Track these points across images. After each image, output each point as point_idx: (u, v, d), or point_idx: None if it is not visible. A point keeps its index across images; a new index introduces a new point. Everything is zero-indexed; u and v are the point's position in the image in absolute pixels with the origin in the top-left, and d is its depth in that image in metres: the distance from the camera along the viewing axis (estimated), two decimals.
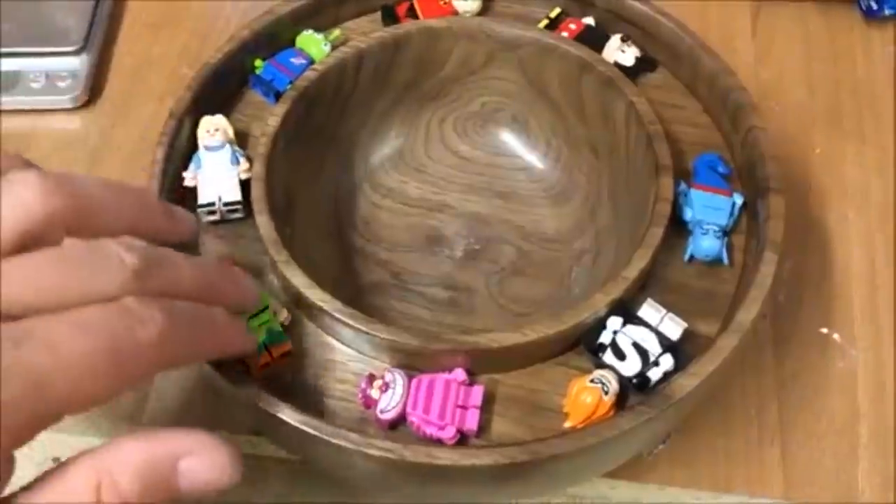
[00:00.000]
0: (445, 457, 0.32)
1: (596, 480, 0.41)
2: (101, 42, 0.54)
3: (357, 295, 0.42)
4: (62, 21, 0.53)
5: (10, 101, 0.51)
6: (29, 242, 0.26)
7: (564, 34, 0.44)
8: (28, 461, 0.43)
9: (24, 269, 0.25)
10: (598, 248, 0.43)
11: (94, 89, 0.53)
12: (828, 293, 0.46)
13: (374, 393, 0.34)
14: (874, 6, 0.56)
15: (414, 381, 0.34)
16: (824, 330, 0.45)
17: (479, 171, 0.46)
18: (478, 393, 0.34)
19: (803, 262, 0.47)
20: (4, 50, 0.52)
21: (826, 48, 0.56)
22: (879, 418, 0.42)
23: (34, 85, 0.52)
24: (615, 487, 0.41)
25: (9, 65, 0.52)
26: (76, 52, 0.52)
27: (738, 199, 0.40)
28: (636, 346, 0.35)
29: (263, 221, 0.37)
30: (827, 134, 0.52)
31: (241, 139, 0.42)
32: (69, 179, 0.27)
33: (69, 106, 0.52)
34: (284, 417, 0.32)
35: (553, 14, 0.46)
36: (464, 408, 0.34)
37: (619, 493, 0.41)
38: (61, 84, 0.52)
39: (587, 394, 0.34)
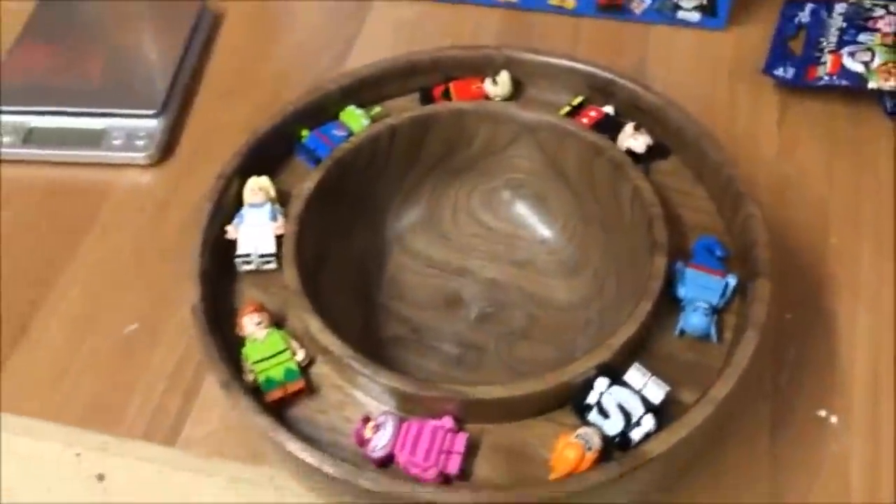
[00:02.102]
0: (426, 492, 0.35)
1: None
2: (177, 107, 0.61)
3: (378, 347, 0.46)
4: (145, 86, 0.60)
5: (94, 154, 0.58)
6: None
7: (584, 120, 0.48)
8: (74, 477, 0.48)
9: None
10: (603, 320, 0.45)
11: (166, 150, 0.59)
12: (829, 378, 0.47)
13: (368, 433, 0.38)
14: None
15: (404, 425, 0.38)
16: (822, 413, 0.46)
17: (499, 240, 0.50)
18: (461, 440, 0.37)
19: (809, 348, 0.49)
20: (94, 110, 0.59)
21: (850, 147, 0.58)
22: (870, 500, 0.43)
23: (115, 142, 0.58)
24: None
25: (95, 123, 0.59)
26: (154, 116, 0.59)
27: (732, 281, 0.42)
28: (620, 407, 0.37)
29: (290, 273, 0.42)
30: (844, 230, 0.54)
31: (284, 198, 0.47)
32: None
33: (143, 163, 0.58)
34: (287, 446, 0.36)
35: (576, 101, 0.50)
36: (448, 453, 0.37)
37: None
38: (138, 143, 0.58)
39: (570, 449, 0.36)
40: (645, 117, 0.48)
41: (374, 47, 0.65)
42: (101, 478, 0.48)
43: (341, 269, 0.47)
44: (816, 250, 0.53)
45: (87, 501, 0.47)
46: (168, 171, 0.59)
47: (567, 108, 0.49)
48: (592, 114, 0.49)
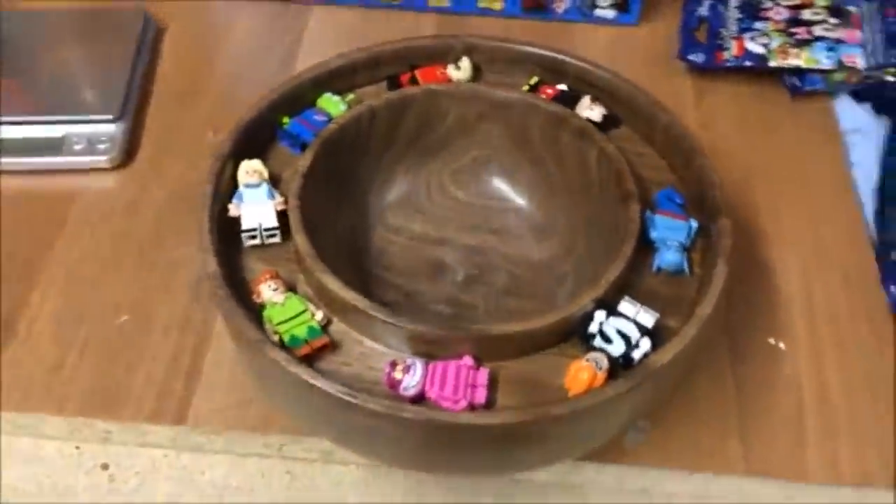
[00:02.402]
0: (464, 418, 0.38)
1: (584, 466, 0.47)
2: (133, 111, 0.62)
3: None
4: (101, 92, 0.61)
5: (57, 161, 0.58)
6: None
7: (542, 97, 0.53)
8: (77, 468, 0.48)
9: None
10: (578, 273, 0.50)
11: (128, 152, 0.60)
12: (773, 313, 0.54)
13: (398, 374, 0.40)
14: (798, 83, 0.66)
15: (430, 366, 0.41)
16: (771, 340, 0.52)
17: (474, 211, 0.53)
18: (483, 374, 0.41)
19: (752, 290, 0.55)
20: (52, 118, 0.59)
21: (760, 119, 0.65)
22: (821, 410, 0.49)
23: (77, 147, 0.59)
24: (601, 472, 0.47)
25: (55, 130, 0.59)
26: (113, 120, 0.60)
27: (694, 224, 0.48)
28: (620, 332, 0.42)
29: (301, 239, 0.44)
30: (765, 189, 0.61)
31: (272, 181, 0.49)
32: None
33: (107, 166, 0.59)
34: (328, 389, 0.38)
35: (532, 81, 0.54)
36: (473, 386, 0.40)
37: (605, 478, 0.48)
38: (100, 146, 0.59)
39: (583, 371, 0.40)
40: (594, 91, 0.54)
41: (320, 50, 0.67)
42: (105, 467, 0.48)
43: (333, 245, 0.49)
44: (746, 207, 0.60)
45: (95, 492, 0.48)
46: (132, 172, 0.60)
47: (526, 87, 0.54)
48: (549, 91, 0.54)
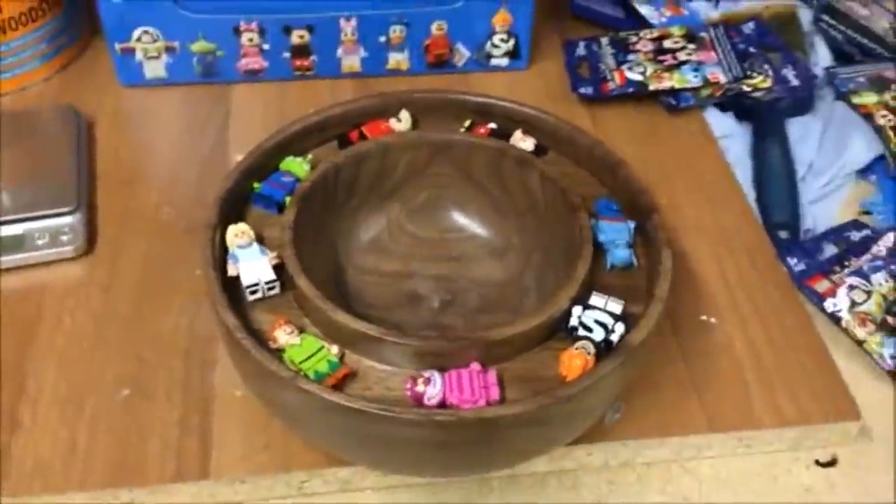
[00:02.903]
0: (489, 412, 0.44)
1: (576, 449, 0.53)
2: (87, 202, 0.64)
3: None
4: (55, 187, 0.63)
5: (25, 256, 0.60)
6: None
7: (479, 135, 0.60)
8: None
9: None
10: (539, 284, 0.57)
11: (89, 240, 0.63)
12: (699, 292, 0.62)
13: (420, 387, 0.46)
14: (673, 102, 0.77)
15: (446, 375, 0.46)
16: (704, 317, 0.61)
17: (434, 244, 0.59)
18: (492, 375, 0.47)
19: (678, 278, 0.63)
20: (10, 217, 0.61)
21: (648, 135, 0.75)
22: (755, 367, 0.58)
23: (39, 242, 0.61)
24: (591, 452, 0.54)
25: (14, 230, 0.61)
26: (72, 212, 0.62)
27: (631, 225, 0.55)
28: (597, 321, 0.49)
29: (304, 283, 0.49)
30: (664, 192, 0.70)
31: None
32: None
33: (72, 255, 0.61)
34: (366, 409, 0.43)
35: (466, 124, 0.61)
36: (486, 387, 0.46)
37: (594, 458, 0.54)
38: (63, 237, 0.61)
39: (577, 358, 0.47)
40: (520, 126, 0.61)
41: (250, 124, 0.73)
42: None
43: (319, 289, 0.54)
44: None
45: None
46: (97, 257, 0.62)
47: (463, 130, 0.61)
48: (482, 130, 0.61)
